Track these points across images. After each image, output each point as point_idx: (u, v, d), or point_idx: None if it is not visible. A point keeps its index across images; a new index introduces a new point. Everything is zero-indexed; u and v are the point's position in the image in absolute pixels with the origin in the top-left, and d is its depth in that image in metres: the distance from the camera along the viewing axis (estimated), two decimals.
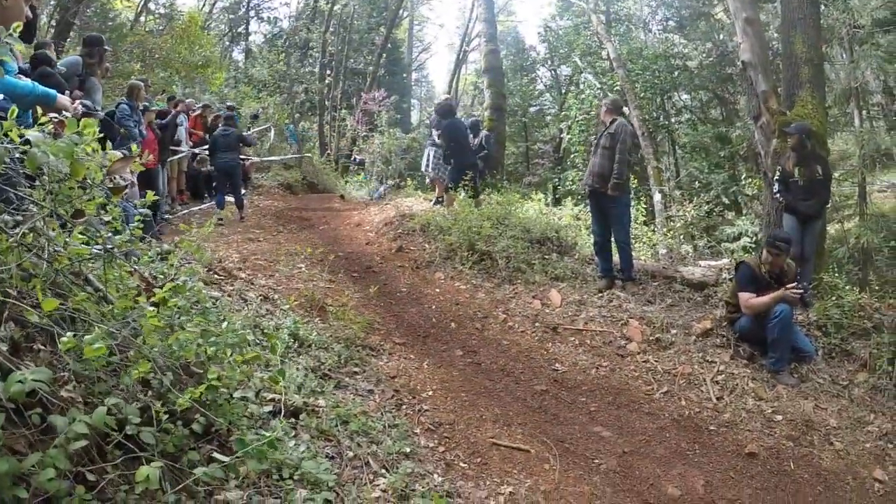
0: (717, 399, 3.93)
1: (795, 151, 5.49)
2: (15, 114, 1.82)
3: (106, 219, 2.11)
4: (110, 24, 14.33)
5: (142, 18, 16.80)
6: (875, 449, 3.51)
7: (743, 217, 12.62)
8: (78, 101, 3.91)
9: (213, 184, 9.32)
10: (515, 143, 22.90)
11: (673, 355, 4.41)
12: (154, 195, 2.61)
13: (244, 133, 9.88)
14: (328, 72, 21.48)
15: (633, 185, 8.24)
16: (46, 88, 2.99)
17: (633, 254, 6.08)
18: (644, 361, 4.36)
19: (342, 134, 20.05)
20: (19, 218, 1.84)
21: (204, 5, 22.73)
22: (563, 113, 19.64)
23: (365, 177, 15.42)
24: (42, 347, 1.70)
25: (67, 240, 1.91)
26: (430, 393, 3.68)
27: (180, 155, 9.33)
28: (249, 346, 2.33)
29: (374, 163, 15.06)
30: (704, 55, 16.85)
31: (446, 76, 29.89)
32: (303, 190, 13.60)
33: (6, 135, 1.76)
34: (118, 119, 5.96)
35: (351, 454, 2.52)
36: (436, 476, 2.69)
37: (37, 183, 1.91)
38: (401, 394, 3.56)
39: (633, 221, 7.64)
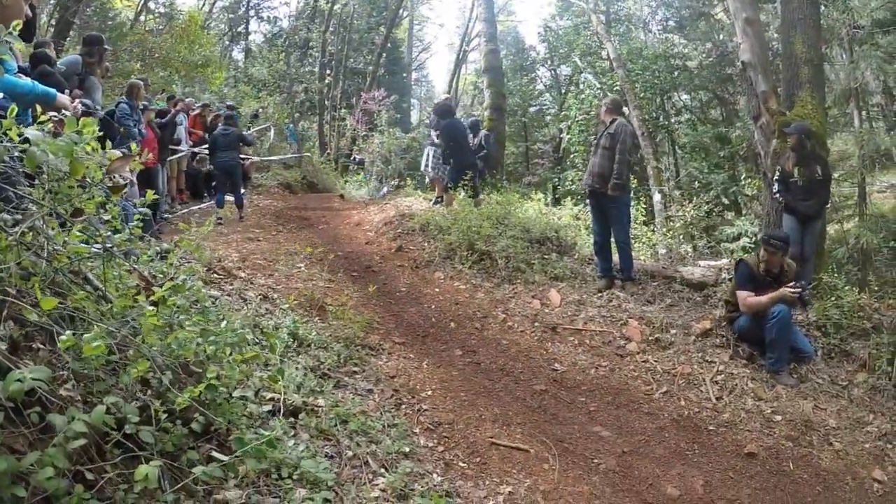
0: (717, 399, 3.93)
1: (795, 151, 5.49)
2: (14, 112, 1.82)
3: (105, 218, 2.11)
4: (110, 23, 14.32)
5: (141, 18, 16.79)
6: (874, 449, 3.51)
7: (742, 217, 12.62)
8: (77, 100, 3.91)
9: (213, 183, 9.32)
10: (515, 142, 22.91)
11: (672, 355, 4.41)
12: (154, 194, 2.61)
13: (244, 132, 9.88)
14: (328, 71, 21.48)
15: (633, 186, 8.24)
16: (46, 87, 2.98)
17: (633, 254, 6.08)
18: (643, 361, 4.36)
19: (342, 133, 20.06)
20: (18, 216, 1.84)
21: (204, 5, 22.72)
22: (563, 113, 19.65)
23: (365, 176, 15.42)
24: (41, 346, 1.70)
25: (66, 238, 1.91)
26: (430, 392, 3.68)
27: (180, 154, 9.33)
28: (249, 345, 2.33)
29: (373, 162, 15.06)
30: (704, 55, 16.86)
31: (446, 76, 29.94)
32: (302, 189, 13.60)
33: (6, 133, 1.76)
34: (118, 118, 5.96)
35: (350, 453, 2.52)
36: (435, 476, 2.69)
37: (36, 181, 1.91)
38: (400, 393, 3.56)
39: (632, 221, 7.64)
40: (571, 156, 18.54)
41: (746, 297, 4.43)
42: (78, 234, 1.96)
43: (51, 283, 1.84)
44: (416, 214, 7.49)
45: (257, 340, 3.03)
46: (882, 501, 3.11)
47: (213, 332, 2.17)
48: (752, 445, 3.44)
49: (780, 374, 4.20)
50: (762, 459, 3.35)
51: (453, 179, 7.82)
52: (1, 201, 1.88)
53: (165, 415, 1.76)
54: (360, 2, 22.97)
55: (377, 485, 2.36)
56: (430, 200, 8.89)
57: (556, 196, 16.68)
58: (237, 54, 25.52)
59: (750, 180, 12.02)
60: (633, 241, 6.87)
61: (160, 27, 16.32)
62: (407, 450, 2.77)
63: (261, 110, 15.53)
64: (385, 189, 13.58)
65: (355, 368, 3.67)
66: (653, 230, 10.63)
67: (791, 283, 4.30)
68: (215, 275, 4.48)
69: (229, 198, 8.40)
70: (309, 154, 16.53)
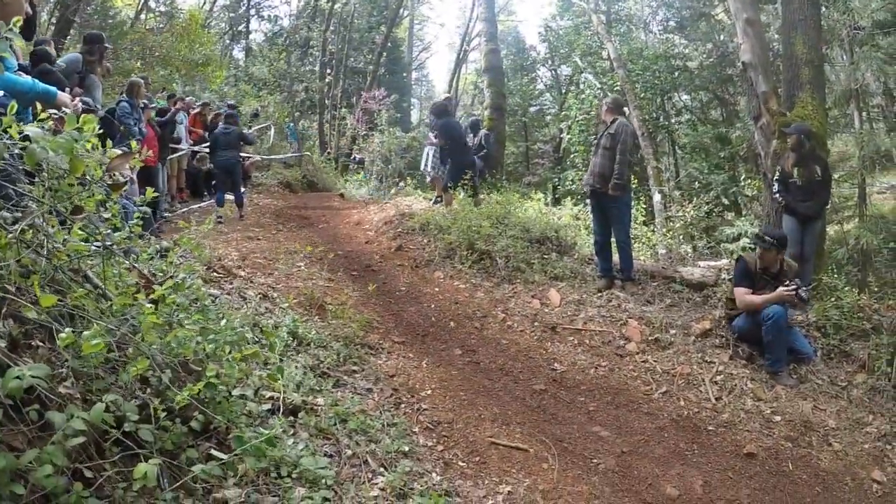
0: (716, 399, 3.93)
1: (794, 152, 5.49)
2: (14, 110, 1.81)
3: (105, 216, 2.11)
4: (110, 21, 14.30)
5: (142, 16, 16.77)
6: (873, 450, 3.51)
7: (742, 218, 12.61)
8: (78, 99, 3.90)
9: (213, 182, 9.32)
10: (515, 142, 22.93)
11: (672, 355, 4.41)
12: (154, 192, 2.61)
13: (245, 131, 9.88)
14: (328, 70, 21.48)
15: (634, 186, 8.23)
16: (47, 86, 2.98)
17: (633, 254, 6.08)
18: (643, 361, 4.36)
19: (342, 133, 20.05)
20: (18, 214, 1.84)
21: (204, 3, 22.71)
22: (563, 113, 19.66)
23: (365, 176, 15.41)
24: (40, 344, 1.70)
25: (66, 236, 1.91)
26: (429, 392, 3.68)
27: (180, 153, 9.33)
28: (248, 343, 2.33)
29: (373, 162, 15.04)
30: (705, 56, 16.87)
31: (446, 75, 29.91)
32: (302, 188, 13.61)
33: (6, 131, 1.76)
34: (118, 116, 5.95)
35: (349, 452, 2.52)
36: (434, 475, 2.69)
37: (36, 179, 1.91)
38: (399, 392, 3.56)
39: (632, 221, 7.63)
40: (571, 156, 18.54)
41: (744, 295, 4.46)
42: (78, 231, 1.96)
43: (50, 281, 1.84)
44: (416, 214, 7.49)
45: (257, 339, 3.03)
46: (881, 502, 3.11)
47: (213, 331, 2.17)
48: (751, 446, 3.43)
49: (780, 374, 4.20)
50: (761, 460, 3.35)
51: (453, 179, 7.81)
52: (1, 199, 1.88)
53: (165, 413, 1.76)
54: (360, 1, 22.98)
55: (376, 484, 2.36)
56: (430, 200, 8.89)
57: (556, 196, 16.69)
58: (238, 53, 25.56)
59: (750, 181, 12.02)
60: (633, 241, 6.87)
61: (161, 26, 16.31)
62: (406, 449, 2.77)
63: (261, 109, 15.52)
64: (394, 190, 13.59)
65: (355, 367, 3.67)
66: (653, 230, 10.62)
67: (786, 283, 4.30)
68: (215, 273, 4.48)
69: (229, 196, 8.40)
70: (309, 153, 16.54)
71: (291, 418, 2.55)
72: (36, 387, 1.39)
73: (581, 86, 18.74)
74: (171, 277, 2.28)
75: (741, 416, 3.77)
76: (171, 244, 3.55)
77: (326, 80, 21.07)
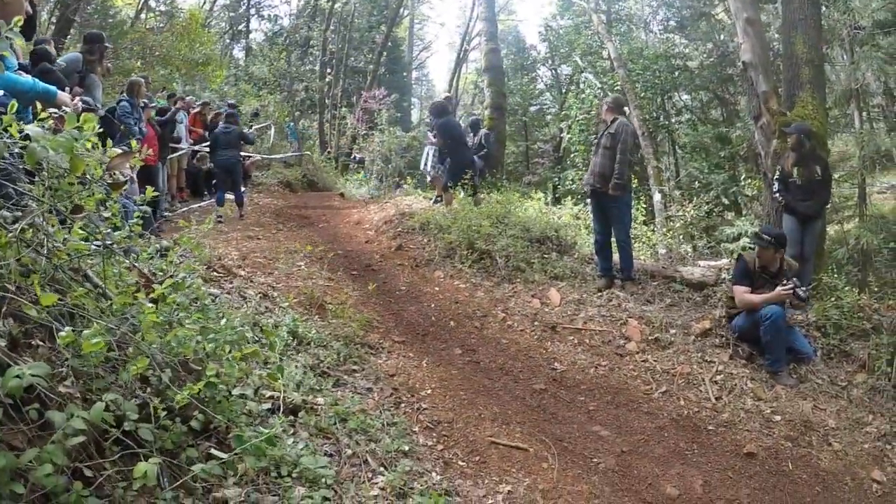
0: (716, 399, 3.93)
1: (795, 151, 5.50)
2: (15, 109, 1.81)
3: (105, 215, 2.11)
4: (110, 21, 14.30)
5: (142, 16, 16.78)
6: (873, 450, 3.51)
7: (743, 217, 12.61)
8: (78, 98, 3.90)
9: (213, 181, 9.32)
10: (515, 142, 22.91)
11: (672, 355, 4.41)
12: (154, 192, 2.61)
13: (245, 130, 9.88)
14: (328, 70, 21.47)
15: (634, 185, 8.23)
16: (47, 85, 2.99)
17: (633, 253, 6.08)
18: (643, 361, 4.36)
19: (342, 132, 20.05)
20: (19, 213, 1.84)
21: (204, 3, 22.71)
22: (564, 112, 19.66)
23: (365, 175, 15.42)
24: (40, 343, 1.70)
25: (66, 235, 1.91)
26: (429, 391, 3.68)
27: (180, 152, 9.33)
28: (248, 343, 2.33)
29: (373, 161, 15.05)
30: (705, 55, 16.87)
31: (447, 75, 29.88)
32: (302, 188, 13.60)
33: (6, 130, 1.76)
34: (119, 116, 5.95)
35: (349, 452, 2.52)
36: (434, 474, 2.69)
37: (36, 178, 1.91)
38: (399, 392, 3.56)
39: (633, 221, 7.63)
40: (572, 155, 18.53)
41: (742, 293, 4.47)
42: (78, 231, 1.96)
43: (50, 280, 1.84)
44: (416, 213, 7.49)
45: (257, 338, 3.03)
46: (881, 502, 3.11)
47: (213, 330, 2.17)
48: (751, 445, 3.43)
49: (780, 374, 4.20)
50: (761, 459, 3.35)
51: (452, 178, 7.80)
52: (1, 198, 1.88)
53: (165, 412, 1.76)
54: (360, 0, 22.95)
55: (376, 483, 2.36)
56: (430, 199, 8.89)
57: (557, 195, 16.69)
58: (238, 52, 25.56)
59: (750, 180, 12.02)
60: (633, 241, 6.87)
61: (161, 25, 16.31)
62: (406, 448, 2.77)
63: (261, 108, 15.52)
64: (398, 192, 13.60)
65: (355, 367, 3.67)
66: (653, 230, 10.62)
67: (784, 282, 4.31)
68: (215, 273, 4.48)
69: (229, 196, 8.40)
70: (309, 153, 16.53)
71: (291, 417, 2.55)
72: (36, 386, 1.39)
73: (581, 85, 18.74)
74: (171, 277, 2.28)
75: (741, 415, 3.77)
76: (171, 243, 3.56)
77: (326, 79, 21.07)
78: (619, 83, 15.06)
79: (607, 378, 4.17)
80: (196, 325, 2.13)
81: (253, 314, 3.65)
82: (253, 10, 25.26)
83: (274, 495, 1.94)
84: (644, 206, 11.77)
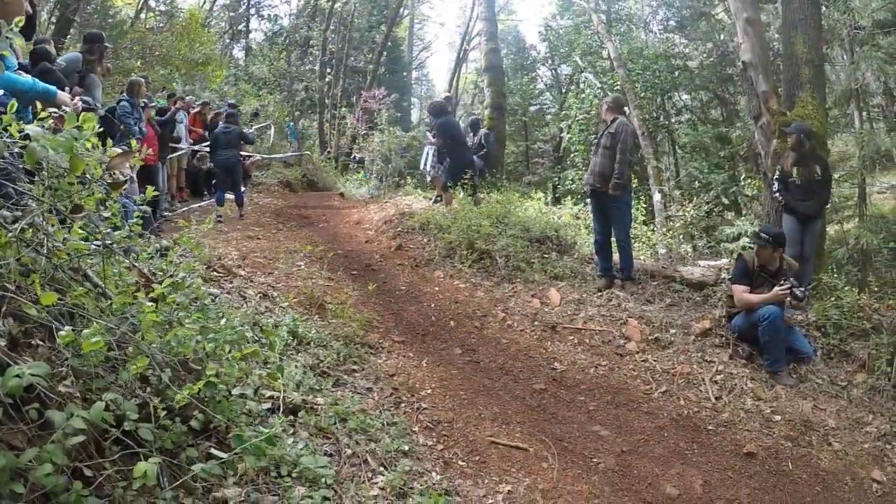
0: (716, 399, 3.93)
1: (794, 151, 5.50)
2: (14, 108, 1.81)
3: (105, 214, 2.11)
4: (110, 21, 14.30)
5: (142, 16, 16.78)
6: (873, 450, 3.51)
7: (742, 217, 12.61)
8: (78, 98, 3.90)
9: (213, 181, 9.32)
10: (515, 142, 22.90)
11: (672, 355, 4.41)
12: (154, 191, 2.60)
13: (245, 130, 9.88)
14: (328, 70, 21.47)
15: (634, 185, 8.22)
16: (47, 85, 2.99)
17: (633, 253, 6.08)
18: (643, 361, 4.36)
19: (342, 132, 20.04)
20: (18, 213, 1.84)
21: (204, 3, 22.71)
22: (564, 112, 19.65)
23: (365, 175, 15.41)
24: (40, 343, 1.70)
25: (66, 235, 1.91)
26: (429, 391, 3.68)
27: (180, 152, 9.33)
28: (248, 342, 2.33)
29: (373, 161, 15.03)
30: (705, 55, 16.86)
31: (447, 75, 29.86)
32: (302, 188, 13.60)
33: (6, 129, 1.76)
34: (119, 116, 5.95)
35: (349, 452, 2.52)
36: (434, 474, 2.69)
37: (36, 178, 1.91)
38: (399, 392, 3.56)
39: (633, 221, 7.63)
40: (571, 155, 18.52)
41: (741, 292, 4.48)
42: (78, 230, 1.96)
43: (50, 280, 1.84)
44: (416, 213, 7.49)
45: (257, 338, 3.03)
46: (881, 502, 3.11)
47: (213, 330, 2.17)
48: (751, 445, 3.43)
49: (779, 374, 4.20)
50: (761, 459, 3.35)
51: (452, 178, 7.80)
52: (1, 197, 1.88)
53: (164, 412, 1.76)
54: (360, 0, 22.95)
55: (376, 483, 2.36)
56: (430, 199, 8.89)
57: (556, 195, 16.69)
58: (238, 52, 25.55)
59: (750, 180, 12.02)
60: (633, 241, 6.87)
61: (160, 25, 16.31)
62: (406, 448, 2.77)
63: (261, 108, 15.52)
64: (401, 193, 13.60)
65: (355, 367, 3.67)
66: (653, 230, 10.62)
67: (781, 282, 4.31)
68: (215, 273, 4.48)
69: (229, 196, 8.40)
70: (309, 152, 16.53)
71: (291, 417, 2.55)
72: (36, 385, 1.39)
73: (581, 85, 18.73)
74: (171, 276, 2.27)
75: (741, 415, 3.77)
76: (170, 243, 3.56)
77: (326, 79, 21.06)
78: (618, 83, 15.06)
79: (607, 378, 4.17)
80: (196, 324, 2.13)
81: (253, 314, 3.65)
82: (253, 10, 25.26)
83: (274, 495, 1.94)
84: (644, 205, 11.76)
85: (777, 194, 5.59)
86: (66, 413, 1.43)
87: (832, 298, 4.82)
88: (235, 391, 2.13)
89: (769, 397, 3.98)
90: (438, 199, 8.51)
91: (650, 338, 4.61)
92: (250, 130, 11.37)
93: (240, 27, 25.47)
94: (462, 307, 5.19)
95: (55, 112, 2.07)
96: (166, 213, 7.69)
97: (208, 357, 2.12)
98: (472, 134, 9.33)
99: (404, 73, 29.19)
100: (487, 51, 14.81)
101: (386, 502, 2.26)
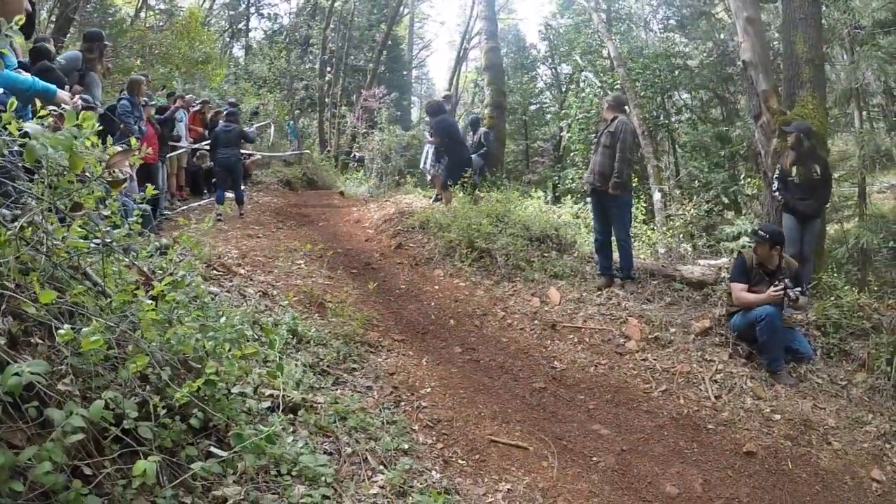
0: (716, 398, 3.93)
1: (794, 150, 5.50)
2: (14, 106, 1.81)
3: (105, 213, 2.10)
4: (110, 19, 14.28)
5: (142, 14, 16.76)
6: (873, 449, 3.51)
7: (742, 217, 12.60)
8: (77, 96, 3.90)
9: (213, 179, 9.32)
10: (515, 140, 22.87)
11: (671, 354, 4.41)
12: (154, 190, 2.60)
13: (245, 129, 9.88)
14: (328, 68, 21.44)
15: (634, 184, 8.22)
16: (46, 83, 2.98)
17: (633, 252, 6.08)
18: (643, 360, 4.36)
19: (342, 131, 20.02)
20: (18, 211, 1.83)
21: (204, 1, 22.69)
22: (564, 111, 19.61)
23: (364, 174, 15.40)
24: (40, 341, 1.69)
25: (66, 233, 1.91)
26: (429, 390, 3.68)
27: (180, 151, 9.32)
28: (248, 341, 2.33)
29: (373, 160, 15.03)
30: (705, 54, 16.83)
31: (447, 73, 29.82)
32: (302, 186, 13.58)
33: (5, 127, 1.76)
34: (119, 114, 5.94)
35: (349, 450, 2.52)
36: (434, 473, 2.69)
37: (35, 176, 1.90)
38: (399, 390, 3.56)
39: (633, 220, 7.62)
40: (571, 154, 18.51)
41: (739, 291, 4.50)
42: (77, 229, 1.95)
43: (50, 278, 1.84)
44: (416, 212, 7.49)
45: (256, 337, 3.03)
46: (880, 501, 3.11)
47: (213, 328, 2.17)
48: (750, 444, 3.44)
49: (779, 373, 4.20)
50: (761, 458, 3.35)
51: (451, 177, 7.80)
52: (0, 196, 1.88)
53: (164, 410, 1.76)
54: None
55: (376, 481, 2.36)
56: (430, 198, 8.89)
57: (556, 194, 16.69)
58: (237, 51, 25.56)
59: (750, 179, 12.00)
60: (633, 240, 6.87)
61: (160, 24, 16.29)
62: (406, 447, 2.77)
63: (261, 107, 15.50)
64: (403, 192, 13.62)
65: (354, 365, 3.67)
66: (653, 229, 10.61)
67: (776, 283, 4.31)
68: (215, 271, 4.48)
69: (229, 194, 8.40)
70: (309, 151, 16.52)
71: (291, 416, 2.55)
72: (35, 384, 1.39)
73: (581, 84, 18.72)
74: (171, 275, 2.27)
75: (741, 414, 3.77)
76: (170, 242, 3.55)
77: (326, 77, 21.03)
78: (619, 82, 15.04)
79: (607, 377, 4.17)
80: (196, 323, 2.13)
81: (252, 312, 3.64)
82: (253, 9, 25.25)
83: (273, 493, 1.94)
84: (644, 204, 11.76)
85: (777, 193, 5.59)
86: (66, 411, 1.43)
87: (832, 298, 4.82)
88: (235, 389, 2.13)
89: (769, 396, 3.98)
90: (438, 197, 8.51)
91: (650, 337, 4.61)
92: (251, 129, 11.37)
93: (240, 26, 25.46)
94: (462, 306, 5.19)
95: (55, 110, 2.06)
96: (166, 212, 7.69)
97: (208, 355, 2.12)
98: (472, 132, 9.32)
99: (404, 72, 29.15)
100: (487, 49, 14.79)
101: (386, 501, 2.26)
